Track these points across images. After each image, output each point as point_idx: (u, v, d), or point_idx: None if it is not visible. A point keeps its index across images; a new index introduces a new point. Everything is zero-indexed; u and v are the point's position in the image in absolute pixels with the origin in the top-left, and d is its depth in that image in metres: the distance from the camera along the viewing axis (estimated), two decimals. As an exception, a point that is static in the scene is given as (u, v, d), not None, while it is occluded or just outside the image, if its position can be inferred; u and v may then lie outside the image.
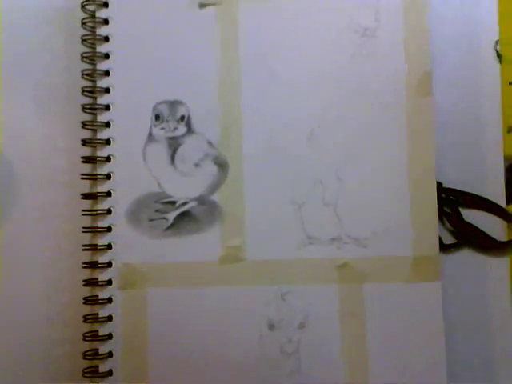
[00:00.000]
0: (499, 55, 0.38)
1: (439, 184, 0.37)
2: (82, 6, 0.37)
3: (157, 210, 0.37)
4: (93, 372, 0.36)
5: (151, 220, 0.37)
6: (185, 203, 0.37)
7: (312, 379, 0.36)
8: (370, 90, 0.37)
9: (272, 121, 0.37)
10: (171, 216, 0.37)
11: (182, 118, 0.37)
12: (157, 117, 0.37)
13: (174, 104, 0.37)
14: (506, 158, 0.38)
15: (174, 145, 0.37)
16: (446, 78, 0.38)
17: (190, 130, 0.37)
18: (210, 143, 0.37)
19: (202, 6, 0.38)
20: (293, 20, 0.38)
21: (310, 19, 0.37)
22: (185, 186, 0.37)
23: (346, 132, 0.37)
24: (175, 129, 0.37)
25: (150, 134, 0.37)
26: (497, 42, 0.38)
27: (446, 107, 0.38)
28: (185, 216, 0.37)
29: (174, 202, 0.37)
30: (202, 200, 0.37)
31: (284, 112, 0.37)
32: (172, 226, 0.37)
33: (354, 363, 0.36)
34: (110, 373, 0.36)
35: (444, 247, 0.37)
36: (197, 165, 0.37)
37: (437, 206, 0.36)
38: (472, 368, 0.37)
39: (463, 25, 0.39)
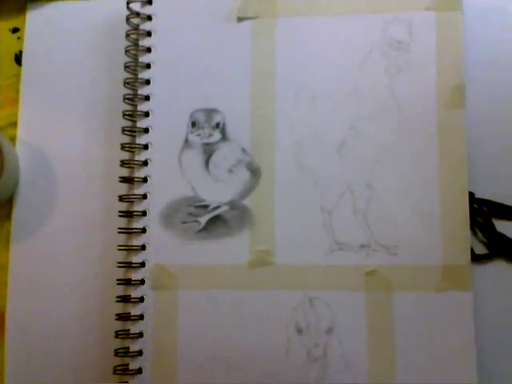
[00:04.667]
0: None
1: (471, 194, 0.37)
2: (127, 20, 0.40)
3: (190, 213, 0.38)
4: (123, 370, 0.37)
5: (184, 222, 0.38)
6: (217, 207, 0.38)
7: (338, 386, 0.36)
8: (402, 101, 0.38)
9: (304, 130, 0.38)
10: (203, 219, 0.38)
11: (218, 125, 0.39)
12: (193, 124, 0.39)
13: (210, 112, 0.39)
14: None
15: (208, 151, 0.39)
16: (479, 89, 0.38)
17: (224, 136, 0.39)
18: (243, 150, 0.38)
19: (240, 19, 0.39)
20: (327, 34, 0.39)
21: (345, 34, 0.39)
22: (218, 191, 0.38)
23: (378, 141, 0.37)
24: (210, 135, 0.39)
25: (186, 140, 0.39)
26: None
27: (479, 118, 0.38)
28: (216, 220, 0.38)
29: (206, 206, 0.38)
30: (233, 204, 0.38)
31: (316, 122, 0.38)
32: (204, 229, 0.38)
33: (382, 372, 0.36)
34: (139, 371, 0.37)
35: (476, 257, 0.37)
36: (230, 170, 0.38)
37: (469, 215, 0.36)
38: (504, 382, 0.36)
39: (498, 39, 0.39)
